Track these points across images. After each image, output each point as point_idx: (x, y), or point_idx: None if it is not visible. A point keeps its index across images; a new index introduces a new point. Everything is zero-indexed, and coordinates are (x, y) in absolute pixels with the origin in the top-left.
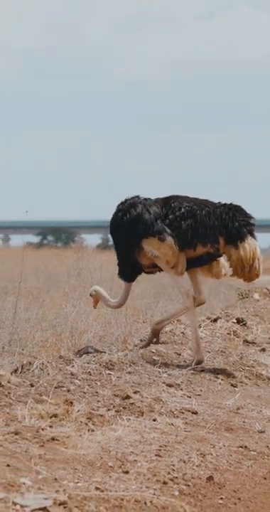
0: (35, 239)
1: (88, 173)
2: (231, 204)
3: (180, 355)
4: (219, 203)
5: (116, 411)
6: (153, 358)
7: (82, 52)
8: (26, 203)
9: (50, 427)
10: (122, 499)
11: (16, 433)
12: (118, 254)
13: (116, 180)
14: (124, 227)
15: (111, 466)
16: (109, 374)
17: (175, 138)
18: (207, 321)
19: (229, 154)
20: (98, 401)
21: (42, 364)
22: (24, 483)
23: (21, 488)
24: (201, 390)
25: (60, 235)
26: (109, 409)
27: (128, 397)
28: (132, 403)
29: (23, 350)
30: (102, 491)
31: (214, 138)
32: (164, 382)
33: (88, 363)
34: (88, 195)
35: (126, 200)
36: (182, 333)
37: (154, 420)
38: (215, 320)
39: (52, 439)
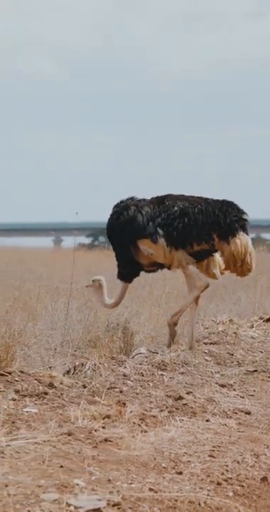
0: (86, 240)
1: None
2: (223, 200)
3: (232, 355)
4: (212, 199)
5: (168, 412)
6: (206, 358)
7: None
8: (76, 204)
9: (103, 428)
10: (176, 500)
11: (69, 434)
12: (116, 255)
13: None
14: (119, 229)
15: (164, 467)
16: (161, 375)
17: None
18: (259, 321)
19: (231, 154)
20: (151, 402)
21: (95, 365)
22: (78, 484)
23: (75, 489)
24: (254, 391)
25: None
26: (161, 410)
27: (180, 397)
28: (185, 404)
29: (75, 351)
30: (156, 492)
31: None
32: (217, 383)
33: (140, 364)
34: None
35: (120, 203)
36: (235, 333)
37: (207, 421)
38: (268, 320)
39: (105, 440)
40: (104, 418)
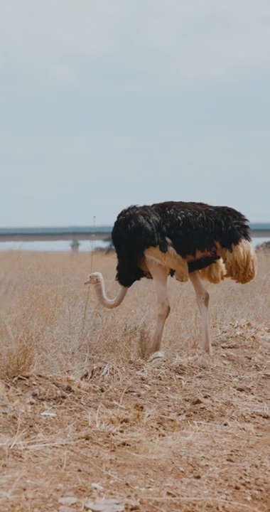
0: (104, 244)
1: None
2: (225, 207)
3: (250, 359)
4: (213, 207)
5: (186, 416)
6: (224, 362)
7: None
8: (94, 208)
9: (121, 431)
10: (194, 504)
11: (87, 438)
12: (120, 262)
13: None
14: (126, 238)
15: (182, 471)
16: (179, 379)
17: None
18: None
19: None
20: (168, 406)
21: (112, 369)
22: (96, 488)
23: (93, 493)
24: None
25: None
26: (179, 414)
27: (198, 401)
28: (203, 408)
29: (93, 355)
30: (174, 496)
31: None
32: (235, 387)
33: (158, 368)
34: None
35: (125, 211)
36: (253, 337)
37: (225, 425)
38: None
39: (123, 444)
40: (121, 422)
